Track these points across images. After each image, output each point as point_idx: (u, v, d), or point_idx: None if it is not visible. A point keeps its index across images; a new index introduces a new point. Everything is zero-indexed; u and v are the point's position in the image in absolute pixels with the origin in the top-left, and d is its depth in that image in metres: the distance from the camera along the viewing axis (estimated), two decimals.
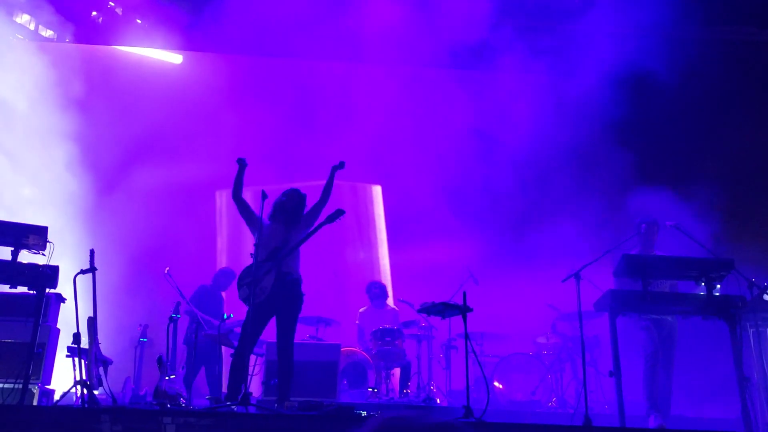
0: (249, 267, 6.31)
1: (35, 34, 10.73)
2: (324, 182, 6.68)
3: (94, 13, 10.80)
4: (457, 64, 10.90)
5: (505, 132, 10.53)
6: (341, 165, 6.62)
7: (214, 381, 8.24)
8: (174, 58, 11.28)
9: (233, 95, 10.94)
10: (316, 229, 6.47)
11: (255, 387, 7.74)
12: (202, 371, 8.36)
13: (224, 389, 7.04)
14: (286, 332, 6.27)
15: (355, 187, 11.45)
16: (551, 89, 10.97)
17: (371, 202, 11.61)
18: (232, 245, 11.04)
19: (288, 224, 6.47)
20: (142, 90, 10.67)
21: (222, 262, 10.78)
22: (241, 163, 6.63)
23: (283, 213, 6.52)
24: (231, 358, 6.53)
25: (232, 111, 10.81)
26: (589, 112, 10.97)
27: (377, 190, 11.67)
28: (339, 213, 6.44)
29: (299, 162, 10.66)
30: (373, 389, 7.75)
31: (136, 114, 10.42)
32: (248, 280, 6.21)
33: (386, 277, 10.94)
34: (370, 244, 11.33)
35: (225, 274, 8.88)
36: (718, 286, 5.93)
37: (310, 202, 6.66)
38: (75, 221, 9.20)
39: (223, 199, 11.27)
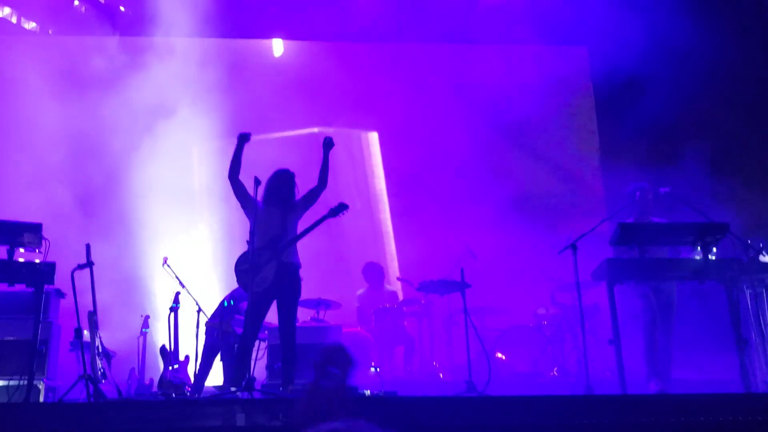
0: (246, 253, 6.21)
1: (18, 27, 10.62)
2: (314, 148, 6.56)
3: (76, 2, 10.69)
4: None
5: (505, 103, 10.54)
6: (331, 142, 6.50)
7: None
8: None
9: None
10: (317, 223, 6.37)
11: (259, 372, 7.78)
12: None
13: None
14: (288, 318, 6.27)
15: (349, 135, 11.26)
16: (557, 56, 10.97)
17: (368, 149, 11.41)
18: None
19: (284, 208, 6.37)
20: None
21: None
22: (243, 139, 6.42)
23: (278, 197, 6.39)
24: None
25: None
26: (589, 79, 11.04)
27: (374, 138, 11.48)
28: (342, 207, 6.38)
29: (291, 111, 10.56)
30: (376, 369, 7.80)
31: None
32: (245, 267, 6.15)
33: (389, 242, 10.90)
34: (369, 195, 11.18)
35: None
36: (714, 249, 5.96)
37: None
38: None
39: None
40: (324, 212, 6.42)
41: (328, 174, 6.47)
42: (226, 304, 8.09)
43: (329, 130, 10.58)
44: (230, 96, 10.28)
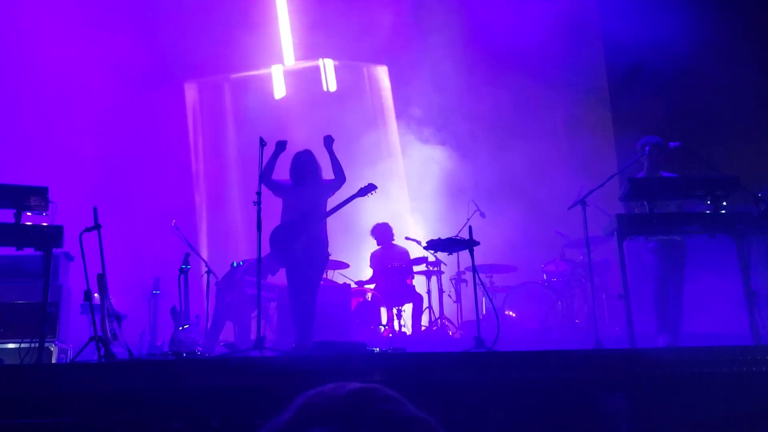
0: (279, 226, 6.63)
1: None
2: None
3: None
4: None
5: (518, 55, 10.42)
6: (330, 139, 6.77)
7: (244, 333, 8.19)
8: None
9: None
10: (346, 202, 6.71)
11: (268, 331, 7.84)
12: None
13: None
14: (310, 285, 6.54)
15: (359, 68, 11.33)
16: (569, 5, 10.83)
17: (377, 82, 11.47)
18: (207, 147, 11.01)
19: (312, 186, 6.66)
20: None
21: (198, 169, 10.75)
22: (280, 147, 6.71)
23: (304, 177, 6.68)
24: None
25: None
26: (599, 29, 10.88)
27: (383, 71, 11.48)
28: (371, 187, 6.78)
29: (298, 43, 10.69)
30: (385, 326, 7.84)
31: None
32: (279, 238, 6.56)
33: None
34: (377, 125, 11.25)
35: None
36: (725, 203, 5.90)
37: None
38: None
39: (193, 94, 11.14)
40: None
41: (341, 168, 6.72)
42: (234, 264, 8.12)
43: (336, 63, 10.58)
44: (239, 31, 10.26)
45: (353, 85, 11.31)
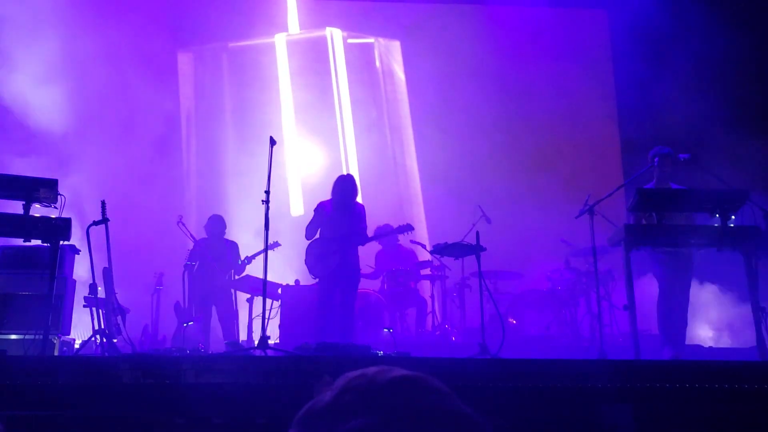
0: (317, 240, 7.13)
1: None
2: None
3: None
4: None
5: (524, 64, 10.43)
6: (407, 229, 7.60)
7: (228, 324, 8.20)
8: None
9: None
10: (382, 236, 7.86)
11: (272, 330, 7.83)
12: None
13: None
14: (346, 299, 7.07)
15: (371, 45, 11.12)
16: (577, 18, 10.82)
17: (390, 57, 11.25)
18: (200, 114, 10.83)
19: (350, 213, 7.15)
20: None
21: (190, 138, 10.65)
22: (320, 214, 7.23)
23: (344, 202, 7.17)
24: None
25: None
26: (609, 42, 10.88)
27: (396, 46, 11.29)
28: (408, 227, 7.54)
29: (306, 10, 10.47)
30: (389, 329, 7.82)
31: None
32: (315, 253, 7.07)
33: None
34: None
35: (217, 220, 8.70)
36: (733, 217, 5.88)
37: None
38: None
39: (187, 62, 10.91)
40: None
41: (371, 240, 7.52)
42: (240, 261, 8.14)
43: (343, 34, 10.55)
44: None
45: (362, 60, 10.99)
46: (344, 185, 7.25)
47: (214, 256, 8.26)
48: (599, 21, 11.26)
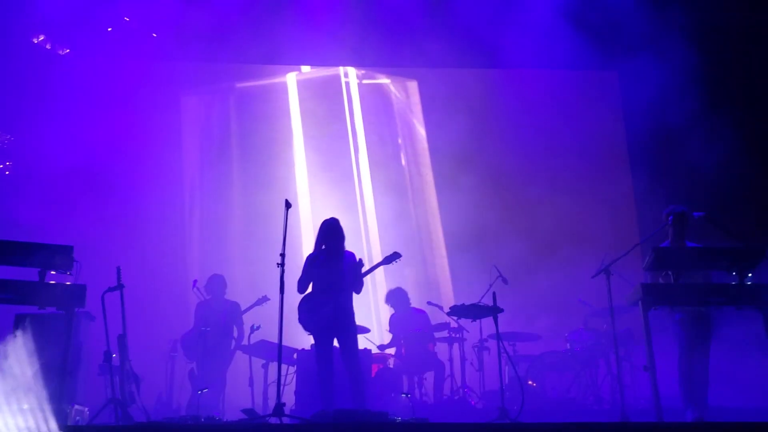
0: (307, 296, 6.82)
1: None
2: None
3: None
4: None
5: (537, 126, 10.54)
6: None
7: (218, 376, 8.06)
8: None
9: None
10: (370, 271, 7.18)
11: (287, 397, 7.72)
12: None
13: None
14: (348, 352, 6.69)
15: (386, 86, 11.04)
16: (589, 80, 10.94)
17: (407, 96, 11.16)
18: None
19: (338, 258, 6.83)
20: None
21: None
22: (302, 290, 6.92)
23: (331, 249, 6.84)
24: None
25: None
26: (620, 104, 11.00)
27: (413, 86, 11.22)
28: (395, 256, 7.30)
29: (323, 43, 10.36)
30: (407, 394, 7.71)
31: None
32: (306, 308, 6.76)
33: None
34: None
35: (218, 280, 8.64)
36: (750, 274, 5.82)
37: None
38: None
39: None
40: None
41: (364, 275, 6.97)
42: (254, 327, 8.07)
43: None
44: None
45: (377, 100, 10.91)
46: (330, 231, 6.90)
47: (207, 322, 8.13)
48: (611, 83, 11.39)
